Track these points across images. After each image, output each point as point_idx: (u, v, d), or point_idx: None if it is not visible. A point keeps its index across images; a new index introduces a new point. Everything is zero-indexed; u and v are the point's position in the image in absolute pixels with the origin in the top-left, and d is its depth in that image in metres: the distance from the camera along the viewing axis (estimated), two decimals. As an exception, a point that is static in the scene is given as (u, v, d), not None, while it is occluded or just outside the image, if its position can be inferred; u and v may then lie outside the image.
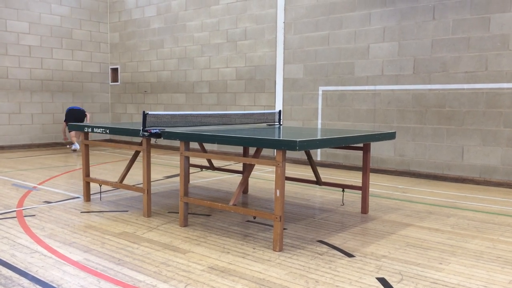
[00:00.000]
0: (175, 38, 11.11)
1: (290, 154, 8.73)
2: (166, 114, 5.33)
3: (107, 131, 5.04)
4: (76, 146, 10.63)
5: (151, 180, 4.81)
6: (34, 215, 4.68)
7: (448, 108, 7.15)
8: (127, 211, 4.96)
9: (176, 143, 10.52)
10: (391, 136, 4.94)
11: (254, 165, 4.34)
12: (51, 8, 11.33)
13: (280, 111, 6.15)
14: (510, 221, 4.73)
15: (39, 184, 6.44)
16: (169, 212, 4.90)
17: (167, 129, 4.42)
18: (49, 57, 11.39)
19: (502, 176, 6.77)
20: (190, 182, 6.62)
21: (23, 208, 5.01)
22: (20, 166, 8.20)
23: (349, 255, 3.59)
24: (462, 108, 7.06)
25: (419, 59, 7.49)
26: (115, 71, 12.69)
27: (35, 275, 3.07)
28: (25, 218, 4.57)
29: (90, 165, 5.49)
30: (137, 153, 5.15)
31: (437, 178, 7.31)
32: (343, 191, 5.38)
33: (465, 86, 6.99)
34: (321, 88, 8.67)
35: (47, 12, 11.28)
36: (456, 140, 7.12)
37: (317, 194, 6.13)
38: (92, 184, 5.49)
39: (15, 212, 4.80)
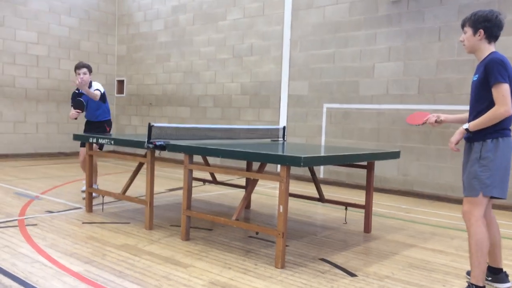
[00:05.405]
0: (181, 52, 11.20)
1: (293, 170, 8.70)
2: (171, 127, 5.34)
3: (112, 142, 5.06)
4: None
5: (154, 192, 4.80)
6: (36, 225, 4.66)
7: (452, 129, 7.12)
8: (129, 223, 4.94)
9: (179, 156, 10.50)
10: (395, 155, 4.94)
11: (257, 180, 4.33)
12: (60, 19, 11.47)
13: (284, 127, 6.15)
14: (514, 245, 4.68)
15: (41, 194, 6.43)
16: (171, 225, 4.88)
17: (172, 142, 4.42)
18: (57, 67, 11.49)
19: (508, 200, 6.71)
20: (193, 195, 6.60)
21: (25, 217, 5.00)
22: (23, 175, 8.21)
23: (352, 275, 3.55)
24: (466, 129, 7.04)
25: (424, 79, 7.51)
26: (121, 83, 12.78)
27: (35, 285, 3.05)
28: (26, 227, 4.56)
29: (93, 175, 5.49)
30: (140, 165, 5.15)
31: (440, 199, 7.26)
32: (346, 209, 5.35)
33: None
34: (325, 106, 8.70)
35: (56, 23, 11.41)
36: (460, 162, 7.07)
37: (320, 211, 6.10)
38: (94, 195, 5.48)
39: (17, 221, 4.78)
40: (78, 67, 6.36)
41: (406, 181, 7.76)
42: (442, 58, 7.32)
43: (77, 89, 6.60)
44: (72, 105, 6.41)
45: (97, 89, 6.36)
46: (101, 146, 6.08)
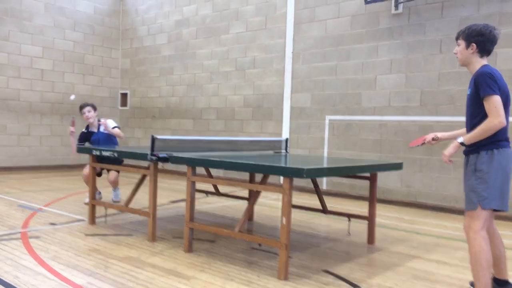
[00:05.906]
0: (185, 65, 11.29)
1: (296, 181, 8.71)
2: (174, 139, 5.37)
3: (115, 154, 5.08)
4: (116, 196, 6.99)
5: (157, 204, 4.80)
6: (38, 237, 4.67)
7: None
8: (131, 235, 4.94)
9: (182, 168, 10.51)
10: (398, 166, 4.94)
11: (260, 192, 4.33)
12: (65, 33, 11.59)
13: (287, 139, 6.17)
14: (519, 256, 4.65)
15: (44, 206, 6.44)
16: (174, 237, 4.88)
17: (175, 154, 4.45)
18: (61, 81, 11.58)
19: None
20: (196, 207, 6.60)
21: (28, 229, 5.00)
22: (27, 188, 8.23)
23: (355, 286, 3.53)
24: (469, 140, 7.04)
25: (426, 91, 7.54)
26: (124, 96, 12.86)
27: (37, 297, 3.05)
28: (29, 239, 4.56)
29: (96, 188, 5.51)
30: (143, 177, 5.16)
31: (444, 210, 7.23)
32: (349, 220, 5.33)
33: (472, 118, 6.99)
34: (328, 117, 8.72)
35: (61, 37, 11.53)
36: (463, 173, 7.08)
37: (323, 222, 6.08)
38: (97, 207, 5.49)
39: (19, 234, 4.79)
40: (82, 106, 6.55)
41: (409, 192, 7.74)
42: (444, 70, 7.35)
43: (87, 128, 6.65)
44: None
45: (116, 127, 6.49)
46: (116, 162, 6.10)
